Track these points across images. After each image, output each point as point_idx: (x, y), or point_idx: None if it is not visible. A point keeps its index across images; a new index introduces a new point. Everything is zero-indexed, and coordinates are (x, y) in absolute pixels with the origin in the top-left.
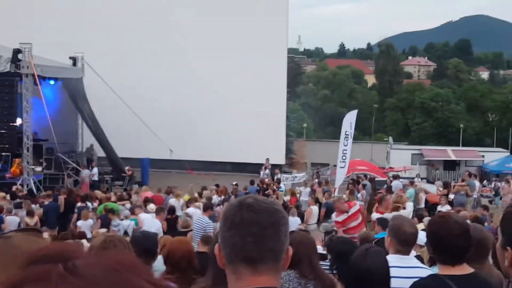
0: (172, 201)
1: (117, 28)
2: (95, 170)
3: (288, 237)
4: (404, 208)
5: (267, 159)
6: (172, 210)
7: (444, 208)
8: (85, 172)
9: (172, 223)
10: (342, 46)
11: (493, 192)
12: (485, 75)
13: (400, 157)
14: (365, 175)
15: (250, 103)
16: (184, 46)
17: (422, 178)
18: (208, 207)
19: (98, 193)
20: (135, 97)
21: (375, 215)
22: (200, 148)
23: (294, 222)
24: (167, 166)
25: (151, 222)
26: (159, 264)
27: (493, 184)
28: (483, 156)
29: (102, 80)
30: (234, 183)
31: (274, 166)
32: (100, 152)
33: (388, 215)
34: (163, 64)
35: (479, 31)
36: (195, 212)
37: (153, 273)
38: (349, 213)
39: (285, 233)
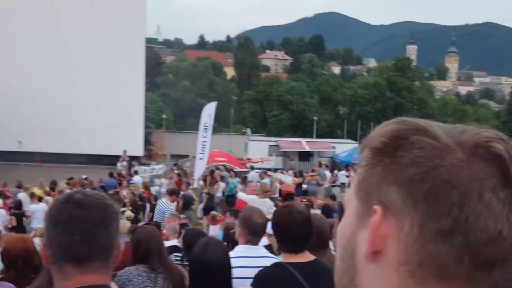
0: (21, 195)
1: None
2: None
3: (119, 232)
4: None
5: (125, 151)
6: (19, 205)
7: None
8: None
9: (19, 219)
10: (201, 37)
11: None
12: (337, 70)
13: (258, 148)
14: (224, 166)
15: (106, 94)
16: (38, 35)
17: (277, 169)
18: None
19: None
20: None
21: (243, 196)
22: (52, 140)
23: None
24: (16, 158)
25: None
26: None
27: (340, 173)
28: (334, 147)
29: None
30: (83, 176)
31: (132, 158)
32: None
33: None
34: (14, 52)
35: (331, 27)
36: (40, 208)
37: None
38: None
39: (116, 229)
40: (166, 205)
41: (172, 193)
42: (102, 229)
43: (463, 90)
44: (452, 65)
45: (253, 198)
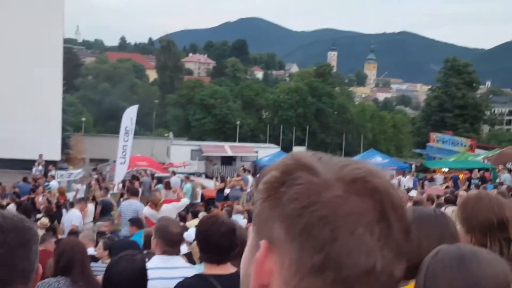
0: None
1: None
2: None
3: (38, 254)
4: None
5: (41, 155)
6: None
7: None
8: None
9: None
10: (123, 39)
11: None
12: (259, 74)
13: (180, 152)
14: (145, 171)
15: (21, 95)
16: None
17: (201, 174)
18: None
19: None
20: None
21: (147, 211)
22: None
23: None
24: None
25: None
26: None
27: None
28: (257, 152)
29: None
30: None
31: (49, 162)
32: None
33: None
34: None
35: (255, 32)
36: None
37: None
38: None
39: (35, 252)
40: (138, 205)
41: (135, 193)
42: (22, 252)
43: (381, 96)
44: (370, 72)
45: (152, 214)
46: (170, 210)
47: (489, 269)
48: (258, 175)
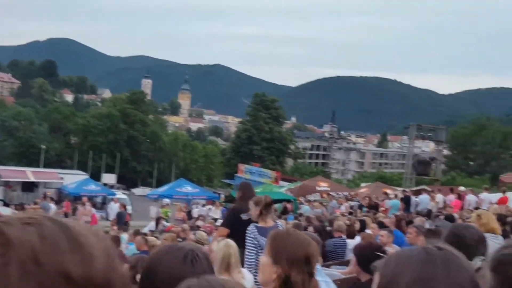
0: None
1: None
2: None
3: None
4: None
5: None
6: None
7: None
8: None
9: None
10: None
11: None
12: (69, 98)
13: None
14: None
15: None
16: None
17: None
18: None
19: None
20: None
21: None
22: None
23: None
24: None
25: None
26: None
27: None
28: (62, 178)
29: None
30: None
31: None
32: None
33: None
34: None
35: (65, 54)
36: None
37: None
38: None
39: None
40: None
41: None
42: None
43: (194, 126)
44: (184, 101)
45: None
46: None
47: None
48: None
